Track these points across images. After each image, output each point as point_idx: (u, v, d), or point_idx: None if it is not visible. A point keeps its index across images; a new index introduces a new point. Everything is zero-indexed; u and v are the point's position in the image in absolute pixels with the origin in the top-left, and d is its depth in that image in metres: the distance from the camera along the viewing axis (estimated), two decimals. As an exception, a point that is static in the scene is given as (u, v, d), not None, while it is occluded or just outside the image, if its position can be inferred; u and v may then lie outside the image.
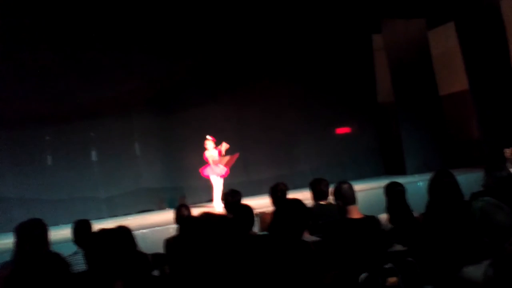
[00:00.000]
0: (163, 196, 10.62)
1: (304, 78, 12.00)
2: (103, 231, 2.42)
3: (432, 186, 3.43)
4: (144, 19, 10.08)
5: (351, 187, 3.79)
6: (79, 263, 3.62)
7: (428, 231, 2.98)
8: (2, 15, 8.95)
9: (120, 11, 9.81)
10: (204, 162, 8.96)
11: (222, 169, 8.96)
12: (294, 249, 2.33)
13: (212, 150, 8.85)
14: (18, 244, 3.40)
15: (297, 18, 11.00)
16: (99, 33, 9.99)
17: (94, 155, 10.47)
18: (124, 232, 2.44)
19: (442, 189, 3.31)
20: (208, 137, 8.93)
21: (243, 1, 10.09)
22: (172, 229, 5.97)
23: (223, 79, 11.21)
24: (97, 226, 3.97)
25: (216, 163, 8.86)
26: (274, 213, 3.16)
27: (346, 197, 3.70)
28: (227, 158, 8.94)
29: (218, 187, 8.83)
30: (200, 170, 9.02)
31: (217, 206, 8.34)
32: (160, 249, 4.64)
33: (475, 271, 2.19)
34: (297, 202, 3.14)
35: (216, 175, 8.85)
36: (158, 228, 6.81)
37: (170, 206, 9.27)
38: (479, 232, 2.34)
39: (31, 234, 3.42)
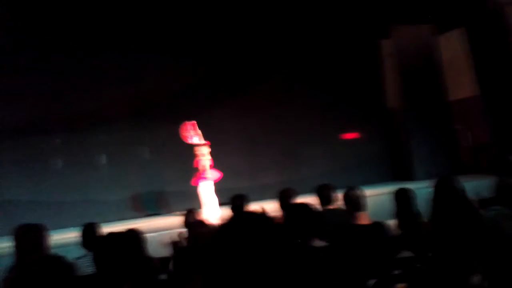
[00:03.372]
0: (171, 200, 10.63)
1: (312, 83, 11.99)
2: (112, 234, 2.42)
3: (437, 193, 3.40)
4: (151, 24, 10.17)
5: (361, 193, 3.76)
6: (87, 266, 3.62)
7: (437, 238, 2.96)
8: (11, 23, 9.05)
9: (127, 17, 9.90)
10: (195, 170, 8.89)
11: (217, 174, 8.93)
12: (301, 255, 2.32)
13: (207, 155, 8.78)
14: (15, 247, 3.39)
15: (305, 23, 11.01)
16: (108, 39, 10.08)
17: (103, 158, 10.52)
18: (133, 236, 2.43)
19: (448, 196, 3.29)
20: (203, 142, 8.85)
21: (250, 5, 10.11)
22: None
23: (230, 84, 11.24)
24: (105, 229, 3.98)
25: (210, 167, 8.80)
26: (283, 218, 3.15)
27: (356, 203, 3.68)
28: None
29: (210, 195, 8.76)
30: (193, 181, 8.99)
31: (209, 215, 8.26)
32: (167, 253, 4.64)
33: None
34: (305, 206, 3.13)
35: (212, 180, 8.78)
36: (166, 232, 6.81)
37: (179, 210, 9.29)
38: (489, 241, 2.32)
39: (26, 238, 3.40)
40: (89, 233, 4.17)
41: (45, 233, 3.52)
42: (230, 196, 5.31)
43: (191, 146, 9.07)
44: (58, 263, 1.96)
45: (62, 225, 9.01)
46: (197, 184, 8.85)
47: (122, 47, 10.29)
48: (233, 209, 5.05)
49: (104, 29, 9.98)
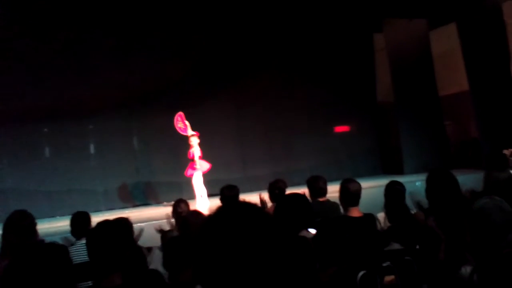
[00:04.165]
0: (160, 190, 10.61)
1: (304, 76, 11.99)
2: (105, 222, 2.40)
3: (431, 185, 3.41)
4: (142, 14, 10.06)
5: (358, 187, 3.75)
6: (76, 255, 3.61)
7: (428, 230, 2.97)
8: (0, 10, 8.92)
9: (119, 8, 9.78)
10: (189, 161, 8.88)
11: (206, 165, 8.92)
12: (293, 246, 2.31)
13: (196, 146, 8.76)
14: (4, 236, 3.40)
15: (299, 16, 10.98)
16: (99, 29, 9.97)
17: (92, 148, 10.47)
18: (124, 225, 2.42)
19: (442, 188, 3.30)
20: (192, 132, 8.83)
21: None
22: (169, 224, 5.95)
23: (222, 76, 11.19)
24: (94, 219, 3.96)
25: (200, 158, 8.80)
26: (275, 208, 3.15)
27: (351, 197, 3.67)
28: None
29: (199, 185, 8.76)
30: (185, 172, 8.99)
31: (200, 206, 8.26)
32: (157, 243, 4.64)
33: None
34: (300, 197, 3.12)
35: (201, 171, 8.78)
36: (155, 222, 6.79)
37: (168, 200, 9.29)
38: (476, 230, 2.33)
39: (18, 225, 3.41)
40: (79, 222, 4.15)
41: (34, 220, 3.54)
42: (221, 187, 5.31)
43: (181, 137, 9.04)
44: (53, 249, 1.95)
45: (50, 214, 8.98)
46: (190, 175, 8.83)
47: (112, 37, 10.19)
48: (222, 199, 5.03)
49: (94, 18, 9.86)
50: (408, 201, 4.18)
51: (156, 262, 3.41)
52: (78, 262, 3.46)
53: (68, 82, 9.77)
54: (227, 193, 5.01)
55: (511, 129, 10.27)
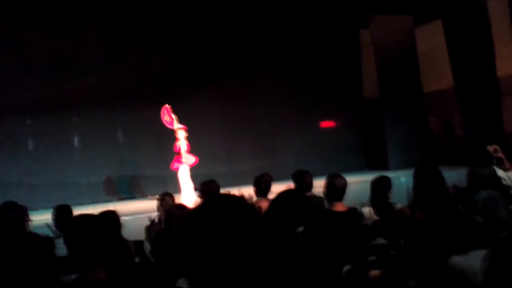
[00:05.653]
0: (145, 183, 10.56)
1: (290, 71, 11.98)
2: (85, 216, 2.38)
3: (418, 180, 3.44)
4: (129, 8, 9.98)
5: (344, 182, 3.76)
6: (61, 247, 3.58)
7: (415, 225, 3.00)
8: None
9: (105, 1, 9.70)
10: (175, 154, 8.84)
11: (192, 158, 8.88)
12: (278, 238, 2.31)
13: (183, 139, 8.72)
14: None
15: (285, 11, 10.97)
16: (84, 20, 9.87)
17: (76, 141, 10.38)
18: (110, 217, 2.40)
19: (429, 183, 3.33)
20: (179, 126, 8.79)
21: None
22: (154, 217, 5.92)
23: (208, 70, 11.14)
24: (78, 212, 3.93)
25: (187, 152, 8.76)
26: (270, 205, 3.13)
27: (336, 192, 3.68)
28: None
29: (186, 179, 8.72)
30: (171, 165, 8.94)
31: (186, 200, 8.22)
32: (141, 237, 4.62)
33: (462, 261, 2.20)
34: (297, 193, 3.11)
35: (187, 165, 8.75)
36: (140, 215, 6.76)
37: (153, 194, 9.24)
38: (480, 222, 2.36)
39: (7, 216, 3.42)
40: (62, 215, 4.11)
41: (25, 211, 3.55)
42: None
43: (166, 130, 9.00)
44: (38, 240, 1.93)
45: (33, 207, 8.86)
46: (176, 168, 8.80)
47: (97, 28, 10.10)
48: (201, 194, 4.97)
49: (79, 9, 9.75)
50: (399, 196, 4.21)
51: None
52: (62, 254, 3.43)
53: (52, 74, 9.67)
54: (205, 188, 4.97)
55: (495, 126, 10.37)
